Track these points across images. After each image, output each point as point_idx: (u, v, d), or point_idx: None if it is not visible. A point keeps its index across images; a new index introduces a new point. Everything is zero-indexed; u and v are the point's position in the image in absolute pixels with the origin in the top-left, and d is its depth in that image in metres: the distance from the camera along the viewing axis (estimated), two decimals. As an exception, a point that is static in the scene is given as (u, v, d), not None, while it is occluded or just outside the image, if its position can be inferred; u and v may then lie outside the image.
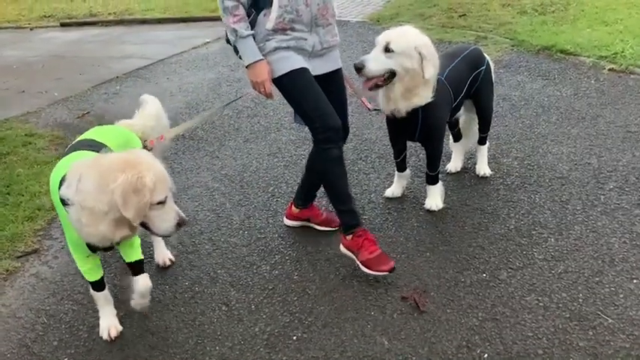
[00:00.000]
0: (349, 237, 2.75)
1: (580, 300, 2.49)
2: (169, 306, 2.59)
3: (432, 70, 2.81)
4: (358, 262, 2.71)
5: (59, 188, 2.12)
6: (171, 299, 2.64)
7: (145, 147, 2.58)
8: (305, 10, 2.60)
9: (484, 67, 3.33)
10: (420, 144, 3.30)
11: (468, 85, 3.24)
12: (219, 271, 2.87)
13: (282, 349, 2.34)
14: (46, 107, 5.75)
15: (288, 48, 2.65)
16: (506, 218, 3.15)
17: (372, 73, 2.81)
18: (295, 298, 2.64)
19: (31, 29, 10.12)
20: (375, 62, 2.81)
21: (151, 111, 2.84)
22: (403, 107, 2.90)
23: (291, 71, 2.65)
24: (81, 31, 9.67)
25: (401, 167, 3.40)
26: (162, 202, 2.06)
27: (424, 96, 2.89)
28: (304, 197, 3.15)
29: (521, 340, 2.29)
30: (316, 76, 2.76)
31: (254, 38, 2.63)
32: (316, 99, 2.66)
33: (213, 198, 3.62)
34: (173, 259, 2.95)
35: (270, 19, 2.59)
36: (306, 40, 2.66)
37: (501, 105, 4.74)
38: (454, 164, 3.74)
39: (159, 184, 2.04)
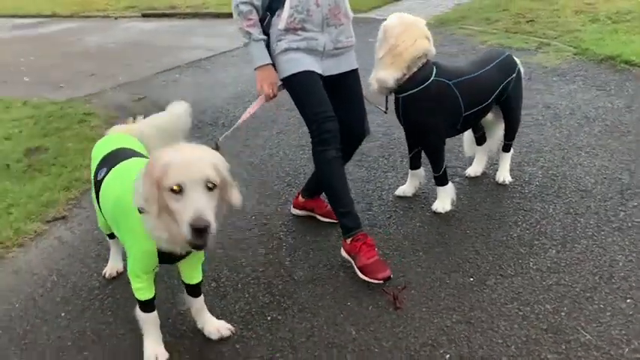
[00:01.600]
0: (348, 240, 2.75)
1: (562, 314, 2.41)
2: (163, 277, 2.74)
3: (379, 53, 2.98)
4: (355, 267, 2.71)
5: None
6: (166, 272, 2.76)
7: (217, 146, 2.63)
8: (316, 9, 2.68)
9: (515, 75, 3.26)
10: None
11: (497, 93, 3.20)
12: (218, 251, 3.01)
13: (255, 327, 2.44)
14: (109, 90, 6.18)
15: (297, 49, 2.73)
16: (512, 226, 3.08)
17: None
18: (280, 282, 2.73)
19: (115, 18, 10.84)
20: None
21: (157, 122, 2.78)
22: (372, 77, 3.05)
23: (297, 73, 2.73)
24: (159, 22, 10.24)
25: (413, 164, 3.40)
26: (176, 191, 1.81)
27: (380, 72, 2.99)
28: (312, 190, 3.23)
29: (488, 346, 2.26)
30: (331, 77, 2.84)
31: (265, 43, 2.75)
32: (317, 102, 2.72)
33: (233, 183, 3.78)
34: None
35: (281, 19, 2.70)
36: (317, 40, 2.73)
37: (543, 113, 4.60)
38: (474, 168, 3.69)
39: (174, 169, 1.80)
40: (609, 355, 2.18)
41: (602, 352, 2.19)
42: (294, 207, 3.34)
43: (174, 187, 1.80)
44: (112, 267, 2.84)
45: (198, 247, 1.86)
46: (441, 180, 3.25)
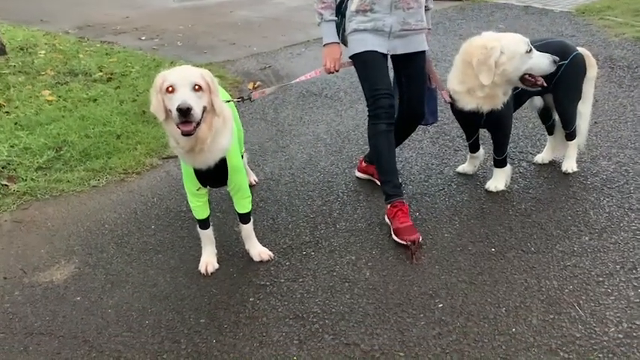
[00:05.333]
0: (388, 206, 3.10)
1: (566, 291, 2.55)
2: (232, 213, 3.32)
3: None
4: (391, 230, 3.06)
5: None
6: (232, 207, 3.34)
7: (249, 97, 3.23)
8: None
9: (565, 62, 3.29)
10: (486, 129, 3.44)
11: None
12: (284, 197, 3.54)
13: (290, 257, 2.92)
14: (242, 58, 6.97)
15: (365, 30, 3.06)
16: (555, 211, 3.18)
17: None
18: (323, 228, 3.17)
19: (269, -5, 11.76)
20: None
21: None
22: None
23: (361, 52, 3.09)
24: (305, 0, 10.95)
25: (473, 148, 3.60)
26: (170, 91, 2.36)
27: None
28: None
29: (480, 304, 2.51)
30: (397, 56, 3.16)
31: (337, 24, 3.14)
32: (375, 79, 3.07)
33: (316, 145, 4.27)
34: (257, 180, 3.71)
35: (354, 1, 3.07)
36: (383, 21, 3.03)
37: (649, 111, 4.41)
38: (543, 155, 3.76)
39: (168, 76, 2.39)
40: (592, 331, 2.31)
41: (586, 327, 2.33)
42: (357, 170, 3.73)
43: (169, 88, 2.36)
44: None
45: (185, 133, 2.35)
46: (502, 162, 3.42)
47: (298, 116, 4.89)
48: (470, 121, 3.35)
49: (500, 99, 3.12)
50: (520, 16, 7.93)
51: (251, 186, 3.63)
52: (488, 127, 3.35)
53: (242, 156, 3.16)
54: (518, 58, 2.99)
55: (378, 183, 3.59)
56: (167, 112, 2.43)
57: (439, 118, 4.43)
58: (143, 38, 8.21)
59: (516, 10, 8.40)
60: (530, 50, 3.01)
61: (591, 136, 4.03)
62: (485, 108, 3.15)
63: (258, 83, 5.88)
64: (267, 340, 2.38)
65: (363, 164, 3.67)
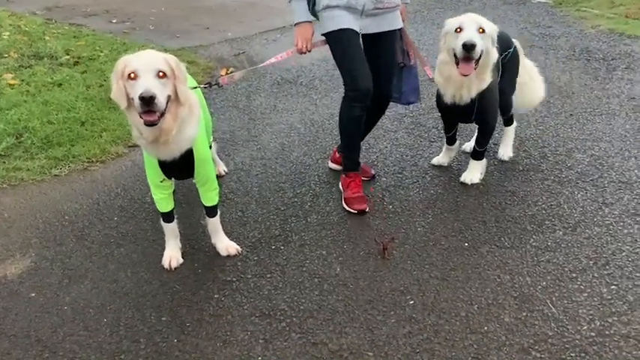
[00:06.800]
0: (344, 175, 3.20)
1: (539, 287, 2.50)
2: (198, 205, 3.20)
3: (497, 54, 2.99)
4: (343, 199, 3.13)
5: None
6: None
7: (217, 83, 3.09)
8: None
9: (511, 51, 3.26)
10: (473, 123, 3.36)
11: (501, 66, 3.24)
12: (254, 189, 3.42)
13: (259, 252, 2.82)
14: (216, 43, 6.78)
15: (338, 7, 2.96)
16: (530, 205, 3.13)
17: (479, 52, 2.86)
18: (294, 221, 3.07)
19: (245, -22, 11.51)
20: (479, 42, 2.85)
21: None
22: (468, 94, 3.03)
23: (335, 30, 2.97)
24: (282, -15, 10.74)
25: (450, 141, 3.53)
26: (132, 78, 2.20)
27: (487, 80, 3.03)
28: (346, 146, 3.51)
29: (452, 301, 2.44)
30: (367, 35, 3.05)
31: (308, 2, 3.02)
32: (352, 59, 2.96)
33: (289, 135, 4.15)
34: (226, 170, 3.59)
35: None
36: None
37: (623, 104, 4.41)
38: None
39: (130, 61, 2.22)
40: (565, 329, 2.26)
41: (558, 325, 2.28)
42: (331, 161, 3.63)
43: (131, 75, 2.20)
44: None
45: (148, 124, 2.21)
46: (481, 155, 3.36)
47: (272, 104, 4.76)
48: (460, 116, 3.26)
49: (460, 81, 3.00)
50: (498, 6, 7.88)
51: (220, 176, 3.52)
52: (477, 120, 3.25)
53: (210, 146, 3.04)
54: (450, 35, 2.95)
55: (351, 174, 3.51)
56: (129, 99, 2.28)
57: (415, 109, 4.40)
58: (114, 21, 7.95)
59: (494, 0, 8.34)
60: (460, 30, 2.90)
61: (566, 129, 4.02)
62: (464, 95, 3.05)
63: (231, 69, 5.72)
64: (232, 340, 2.28)
65: (337, 155, 3.57)
